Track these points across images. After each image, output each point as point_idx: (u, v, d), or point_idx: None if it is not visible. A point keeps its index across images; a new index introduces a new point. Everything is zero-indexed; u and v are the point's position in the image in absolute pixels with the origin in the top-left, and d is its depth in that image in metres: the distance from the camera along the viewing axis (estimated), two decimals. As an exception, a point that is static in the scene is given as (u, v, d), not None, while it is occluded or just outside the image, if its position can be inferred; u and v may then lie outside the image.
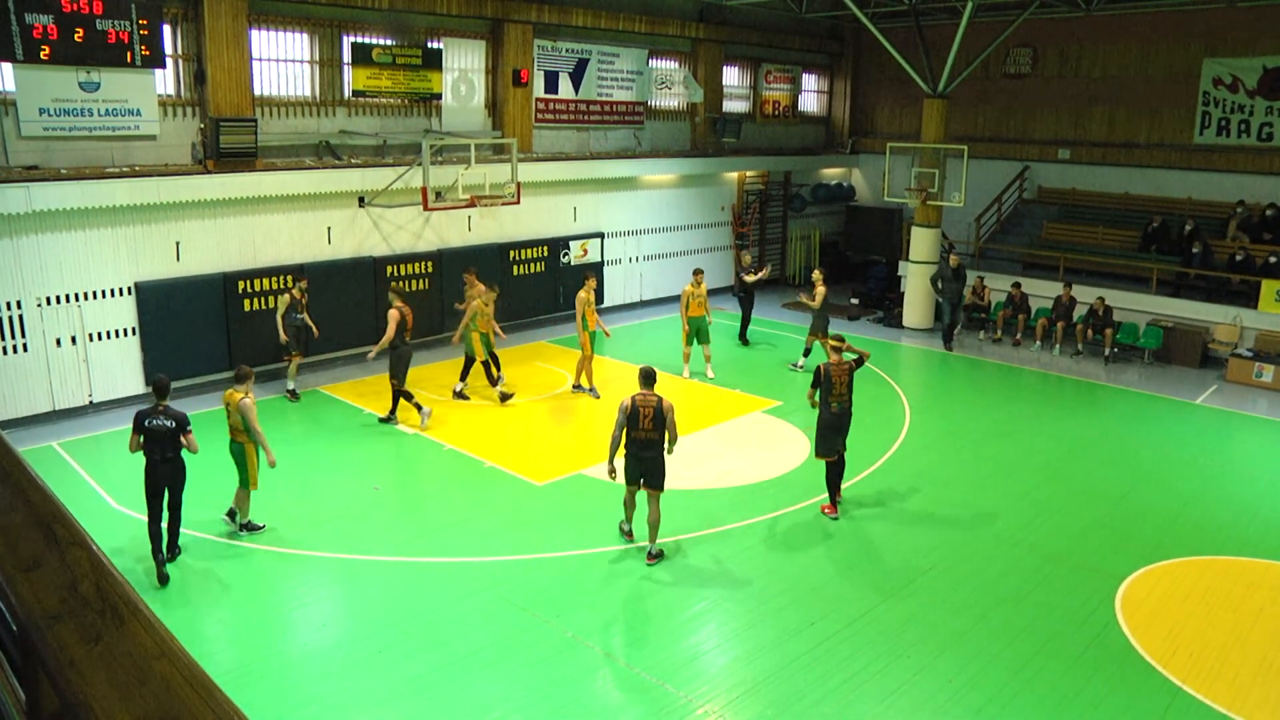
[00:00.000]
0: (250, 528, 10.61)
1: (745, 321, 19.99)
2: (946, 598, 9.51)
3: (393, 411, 14.33)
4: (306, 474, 12.46)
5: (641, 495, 10.33)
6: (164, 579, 9.45)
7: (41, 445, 13.14)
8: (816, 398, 11.31)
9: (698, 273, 17.44)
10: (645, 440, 10.01)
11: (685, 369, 17.27)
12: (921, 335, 21.43)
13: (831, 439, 11.30)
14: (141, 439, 9.44)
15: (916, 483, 12.60)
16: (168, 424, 9.43)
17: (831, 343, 11.60)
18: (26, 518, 1.70)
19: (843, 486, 11.74)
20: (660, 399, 10.03)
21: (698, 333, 17.20)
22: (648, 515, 10.22)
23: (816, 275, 17.76)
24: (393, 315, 13.87)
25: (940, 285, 20.08)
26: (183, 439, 9.47)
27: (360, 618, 8.99)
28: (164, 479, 9.50)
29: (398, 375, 13.99)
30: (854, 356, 11.48)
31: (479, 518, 11.22)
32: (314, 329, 15.48)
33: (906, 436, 14.45)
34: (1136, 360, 19.58)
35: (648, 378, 10.22)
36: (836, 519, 11.39)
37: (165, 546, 9.66)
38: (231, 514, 10.61)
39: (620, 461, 10.21)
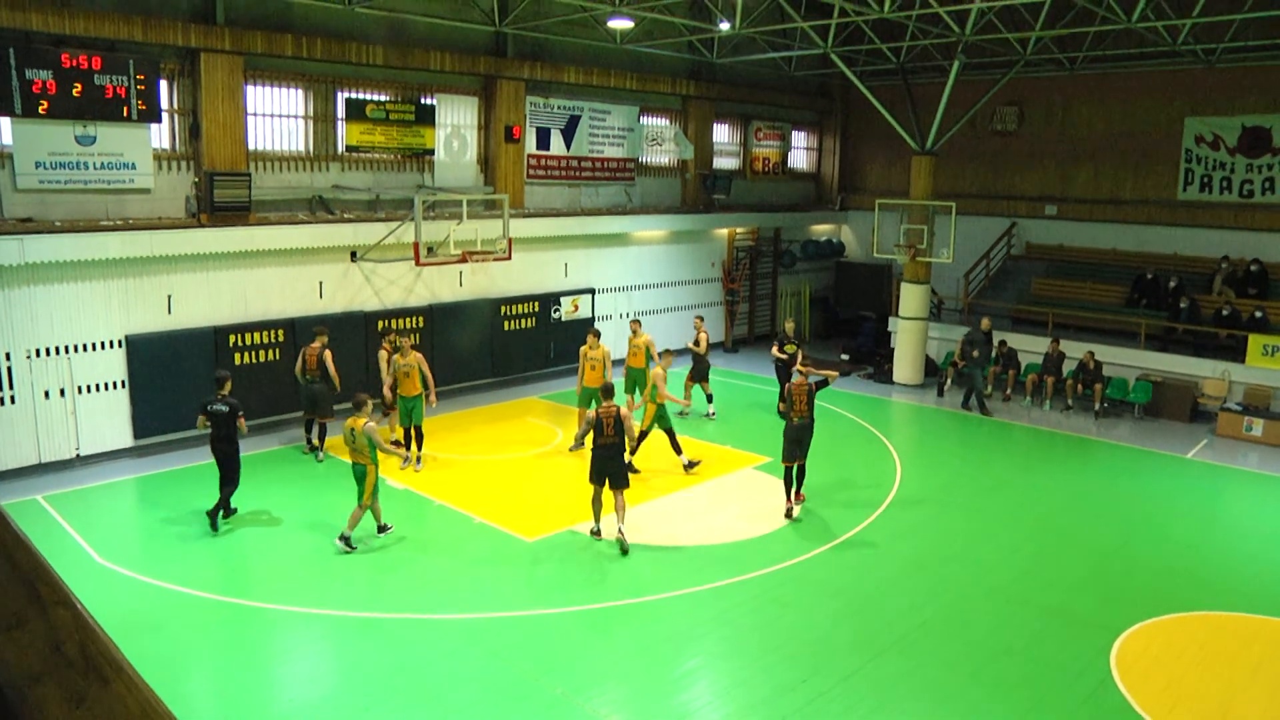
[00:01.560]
0: (383, 529, 12.02)
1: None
2: (939, 653, 9.42)
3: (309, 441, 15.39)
4: (295, 529, 12.35)
5: (609, 494, 11.89)
6: (215, 528, 11.97)
7: (27, 498, 13.01)
8: (782, 408, 13.18)
9: (635, 322, 17.55)
10: (608, 445, 11.71)
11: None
12: (911, 391, 21.47)
13: (791, 449, 13.00)
14: (206, 421, 12.10)
15: (908, 538, 12.54)
16: (223, 409, 12.07)
17: (799, 367, 13.53)
18: (9, 574, 1.67)
19: (803, 495, 13.43)
20: (619, 409, 11.81)
21: (635, 383, 16.97)
22: (615, 506, 11.83)
23: (697, 322, 18.59)
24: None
25: (975, 353, 19.50)
26: (236, 422, 12.06)
27: (346, 674, 8.86)
28: (220, 453, 12.07)
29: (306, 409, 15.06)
30: (818, 379, 13.33)
31: (468, 574, 11.11)
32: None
33: (898, 492, 14.41)
34: (1127, 415, 19.64)
35: (607, 391, 12.26)
36: (792, 508, 13.08)
37: (219, 508, 12.11)
38: (345, 539, 11.54)
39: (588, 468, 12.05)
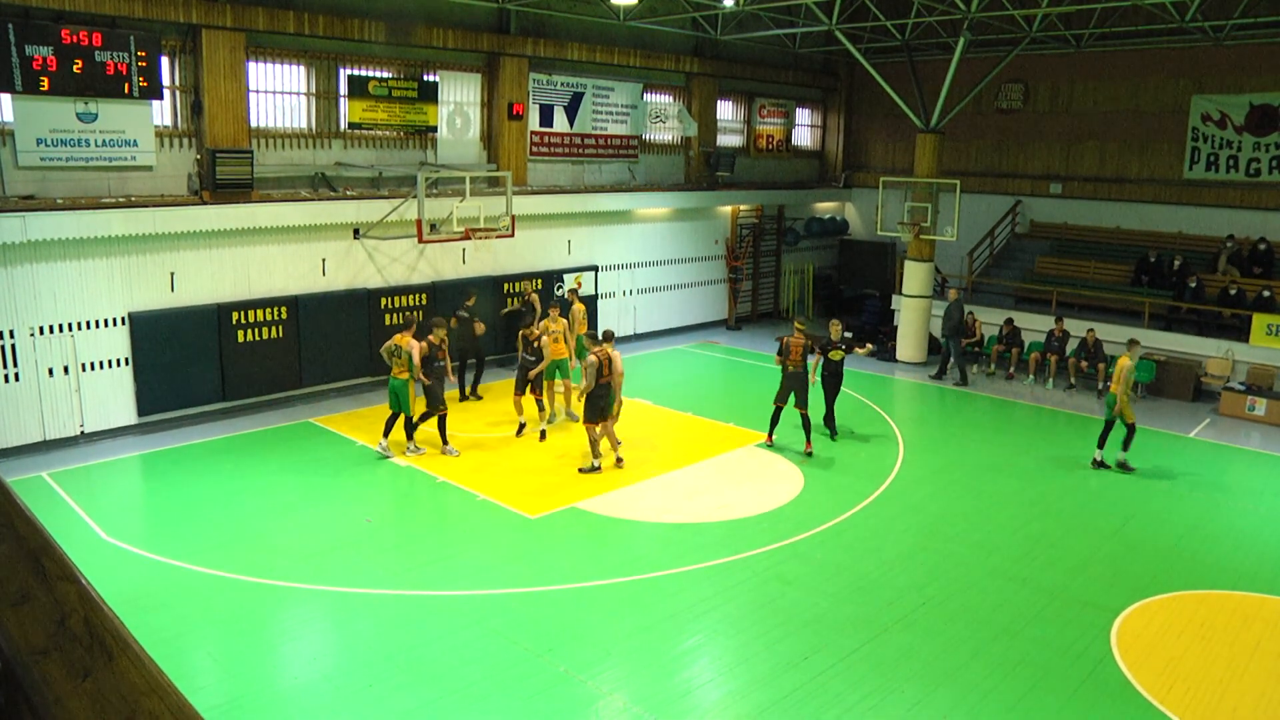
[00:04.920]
0: (617, 454, 14.18)
1: (829, 406, 16.00)
2: (941, 632, 9.46)
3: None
4: (298, 506, 12.39)
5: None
6: (463, 398, 16.97)
7: (31, 475, 13.07)
8: (779, 360, 14.93)
9: (555, 307, 16.79)
10: (606, 383, 13.37)
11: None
12: (915, 369, 21.46)
13: (785, 393, 14.86)
14: (455, 321, 16.09)
15: (911, 516, 12.56)
16: (464, 314, 16.70)
17: (797, 323, 15.19)
18: (14, 550, 1.68)
19: (811, 437, 14.99)
20: (610, 351, 13.47)
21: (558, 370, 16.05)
22: (610, 434, 13.82)
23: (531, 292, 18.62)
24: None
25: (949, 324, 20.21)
26: (473, 324, 16.60)
27: (351, 651, 8.91)
28: (463, 350, 16.86)
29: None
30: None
31: (471, 551, 11.16)
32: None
33: (900, 470, 14.44)
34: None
35: (607, 337, 13.90)
36: (772, 441, 15.21)
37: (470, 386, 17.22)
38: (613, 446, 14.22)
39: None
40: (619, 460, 13.95)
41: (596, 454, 13.68)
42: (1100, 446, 14.75)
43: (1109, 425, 14.65)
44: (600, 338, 14.03)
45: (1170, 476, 14.58)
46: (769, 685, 8.40)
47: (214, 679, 8.35)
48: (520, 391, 15.29)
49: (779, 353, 14.91)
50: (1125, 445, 14.61)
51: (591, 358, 13.34)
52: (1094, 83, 24.06)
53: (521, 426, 15.43)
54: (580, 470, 13.68)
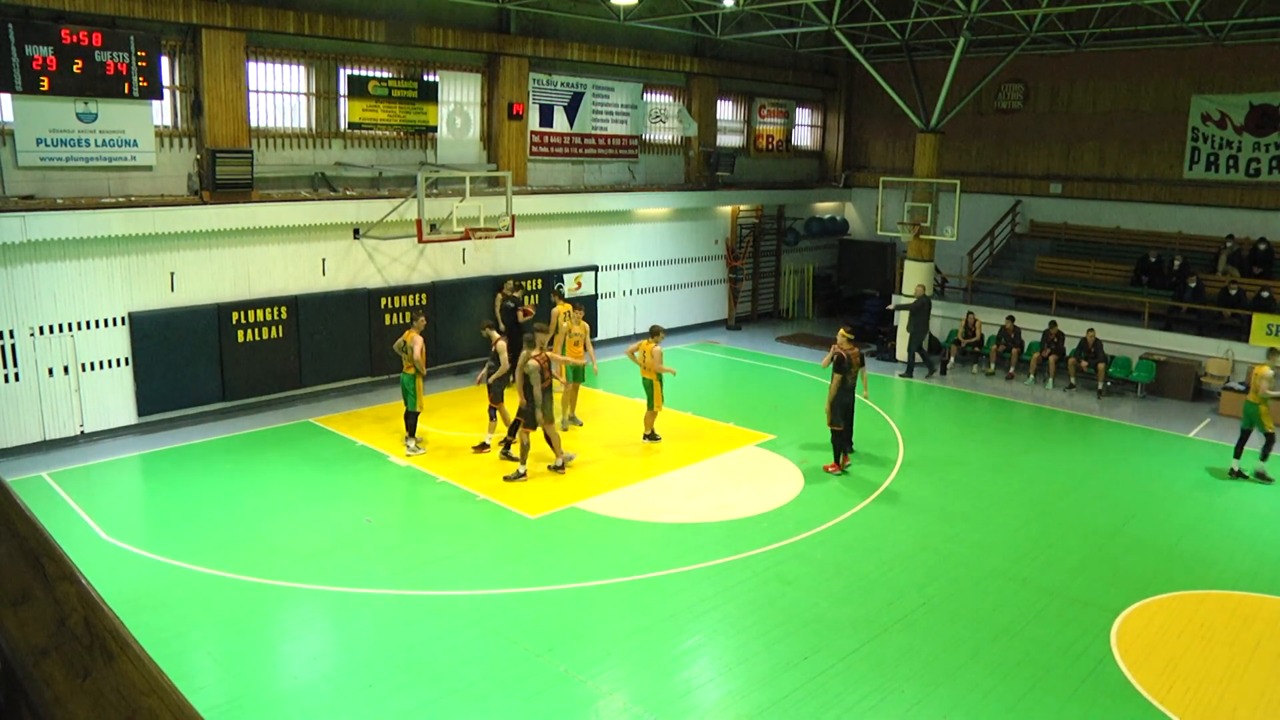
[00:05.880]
0: (653, 437, 15.22)
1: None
2: (941, 632, 9.45)
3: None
4: (298, 506, 12.39)
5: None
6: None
7: (31, 475, 13.06)
8: (838, 378, 13.93)
9: (577, 308, 16.71)
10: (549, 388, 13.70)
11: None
12: (916, 368, 21.42)
13: (842, 412, 13.96)
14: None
15: (911, 516, 12.56)
16: (510, 304, 17.27)
17: (844, 331, 14.50)
18: (14, 550, 1.68)
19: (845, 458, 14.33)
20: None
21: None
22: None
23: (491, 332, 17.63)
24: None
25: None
26: (517, 312, 17.19)
27: (351, 651, 8.91)
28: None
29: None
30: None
31: (471, 551, 11.16)
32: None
33: (900, 470, 14.43)
34: (1130, 394, 19.62)
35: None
36: (843, 471, 14.08)
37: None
38: (649, 436, 15.19)
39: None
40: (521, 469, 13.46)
41: (558, 450, 13.68)
42: (1237, 456, 14.48)
43: (1244, 435, 14.40)
44: (649, 333, 15.00)
45: (1170, 476, 14.58)
46: (769, 685, 8.40)
47: (214, 679, 8.35)
48: (497, 399, 14.62)
49: (838, 369, 13.81)
50: (1264, 454, 14.39)
51: (534, 362, 13.03)
52: (1094, 83, 24.05)
53: (484, 446, 14.61)
54: (550, 468, 13.66)
